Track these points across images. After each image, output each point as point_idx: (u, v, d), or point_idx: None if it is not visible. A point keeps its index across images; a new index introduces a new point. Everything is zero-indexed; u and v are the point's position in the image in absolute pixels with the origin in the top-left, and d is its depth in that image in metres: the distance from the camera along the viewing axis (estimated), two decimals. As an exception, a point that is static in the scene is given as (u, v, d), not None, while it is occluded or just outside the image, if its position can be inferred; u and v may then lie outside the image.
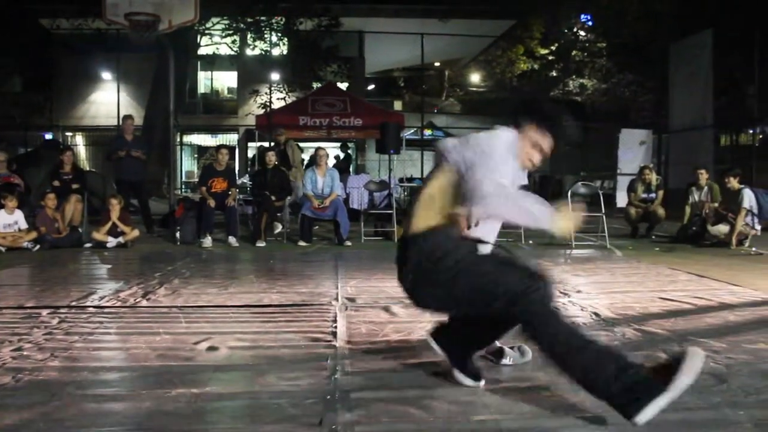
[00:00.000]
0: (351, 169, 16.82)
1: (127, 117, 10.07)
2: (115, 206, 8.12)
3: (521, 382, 2.77)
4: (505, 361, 2.95)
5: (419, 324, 3.71)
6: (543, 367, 2.91)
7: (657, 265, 6.47)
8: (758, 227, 8.14)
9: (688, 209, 9.16)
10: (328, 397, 2.56)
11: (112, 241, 7.97)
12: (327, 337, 3.50)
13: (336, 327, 3.72)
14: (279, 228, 8.98)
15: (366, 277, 5.63)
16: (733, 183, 8.36)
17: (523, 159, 2.71)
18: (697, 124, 13.54)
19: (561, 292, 4.82)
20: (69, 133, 22.94)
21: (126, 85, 18.53)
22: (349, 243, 8.49)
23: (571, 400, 2.52)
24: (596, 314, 4.06)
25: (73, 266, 6.64)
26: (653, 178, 9.55)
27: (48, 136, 20.03)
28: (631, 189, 9.68)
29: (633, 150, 14.50)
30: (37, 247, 7.78)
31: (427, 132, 21.50)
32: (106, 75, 21.95)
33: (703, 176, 9.17)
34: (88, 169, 16.71)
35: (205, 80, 26.09)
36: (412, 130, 20.69)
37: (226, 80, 26.01)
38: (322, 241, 8.95)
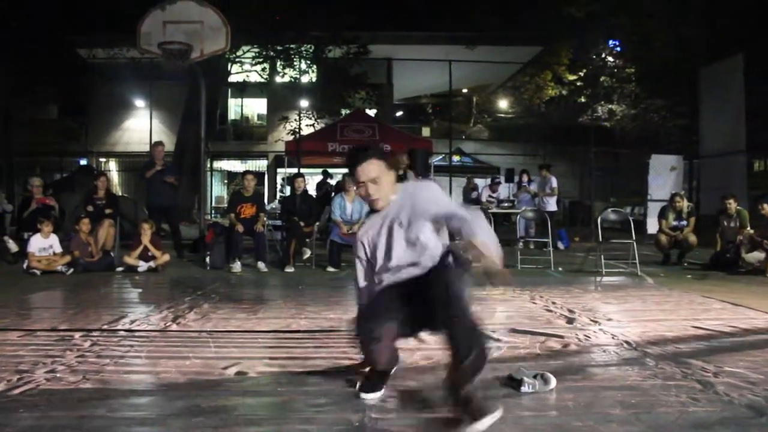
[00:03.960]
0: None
1: (158, 143, 10.23)
2: (147, 231, 8.23)
3: (547, 411, 2.73)
4: (525, 389, 2.91)
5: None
6: (574, 397, 2.88)
7: (689, 292, 6.35)
8: (794, 255, 7.97)
9: (718, 238, 9.00)
10: (357, 423, 2.55)
11: (143, 266, 8.07)
12: (355, 363, 3.49)
13: (364, 353, 3.70)
14: (308, 253, 9.01)
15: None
16: (767, 209, 8.23)
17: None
18: (729, 150, 13.36)
19: (591, 320, 4.76)
20: (102, 159, 23.43)
21: (158, 112, 18.92)
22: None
23: (600, 429, 2.47)
24: (628, 342, 3.99)
25: (105, 290, 6.73)
26: (684, 205, 9.41)
27: (83, 162, 20.47)
28: (661, 216, 9.54)
29: (663, 176, 14.34)
30: (71, 270, 7.91)
31: (456, 158, 21.52)
32: (139, 102, 22.44)
33: (732, 205, 9.01)
34: (120, 194, 16.99)
35: (236, 107, 26.48)
36: (441, 156, 20.74)
37: (255, 107, 26.36)
38: (350, 266, 8.93)
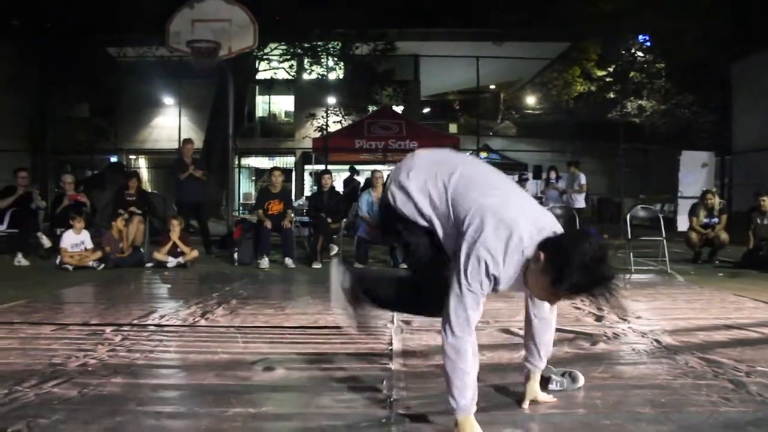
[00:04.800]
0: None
1: (187, 141, 10.33)
2: (176, 227, 8.32)
3: (576, 409, 2.71)
4: (553, 386, 2.89)
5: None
6: (603, 396, 2.85)
7: (721, 291, 6.25)
8: (830, 253, 7.80)
9: (751, 235, 8.84)
10: (384, 420, 2.55)
11: (172, 261, 8.16)
12: (382, 359, 3.50)
13: (392, 349, 3.71)
14: (335, 250, 9.04)
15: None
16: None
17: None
18: (763, 145, 13.11)
19: (620, 318, 4.71)
20: (132, 156, 23.70)
21: (187, 109, 19.07)
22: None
23: (629, 428, 2.45)
24: (657, 341, 3.94)
25: (135, 285, 6.83)
26: (716, 202, 9.25)
27: (113, 159, 20.74)
28: (692, 213, 9.38)
29: (694, 172, 14.14)
30: (102, 266, 8.03)
31: (483, 155, 21.41)
32: (168, 100, 22.64)
33: (766, 202, 8.84)
34: (149, 190, 17.18)
35: (263, 104, 26.59)
36: (468, 153, 20.64)
37: (283, 104, 26.45)
38: (378, 263, 8.96)
